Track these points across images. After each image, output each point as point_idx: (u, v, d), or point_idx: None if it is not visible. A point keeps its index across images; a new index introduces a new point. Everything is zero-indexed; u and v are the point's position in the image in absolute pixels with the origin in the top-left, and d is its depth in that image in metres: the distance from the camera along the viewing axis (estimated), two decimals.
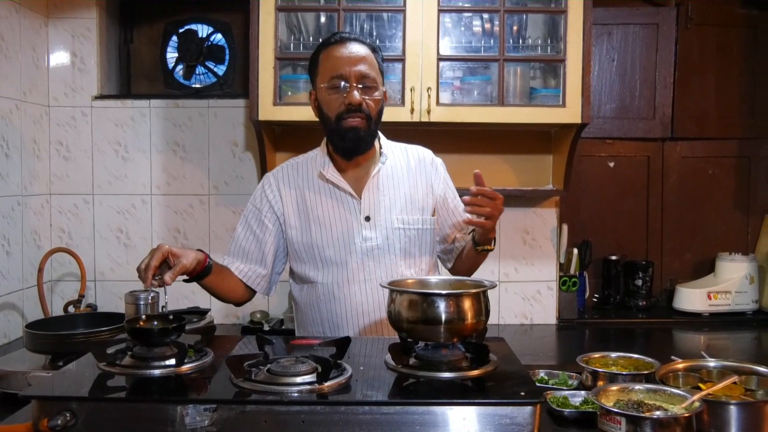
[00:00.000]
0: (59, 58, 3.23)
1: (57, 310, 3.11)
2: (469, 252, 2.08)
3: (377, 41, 2.84)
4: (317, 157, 2.10)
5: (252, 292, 2.12)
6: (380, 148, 2.10)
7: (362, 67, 1.94)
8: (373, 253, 2.01)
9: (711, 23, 3.42)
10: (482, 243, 1.99)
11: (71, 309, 2.93)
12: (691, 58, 3.41)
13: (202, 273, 1.88)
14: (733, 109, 3.50)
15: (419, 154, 2.16)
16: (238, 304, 2.16)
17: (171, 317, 1.67)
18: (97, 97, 3.24)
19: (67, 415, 1.31)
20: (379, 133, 2.14)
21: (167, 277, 1.73)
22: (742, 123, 3.51)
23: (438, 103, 2.83)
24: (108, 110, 3.25)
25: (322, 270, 2.03)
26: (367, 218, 2.01)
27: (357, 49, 1.96)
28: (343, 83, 1.93)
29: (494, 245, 2.02)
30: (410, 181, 2.09)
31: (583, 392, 1.64)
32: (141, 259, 1.75)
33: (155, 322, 1.65)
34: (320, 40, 2.90)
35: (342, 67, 1.93)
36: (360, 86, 1.93)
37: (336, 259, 2.01)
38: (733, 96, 3.49)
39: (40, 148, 3.16)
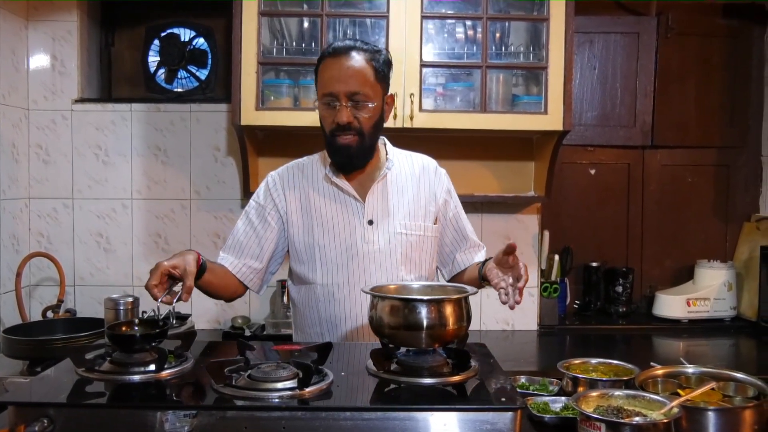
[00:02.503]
0: (39, 61, 3.20)
1: (35, 316, 3.08)
2: (472, 280, 2.07)
3: None
4: (320, 161, 2.11)
5: (244, 289, 2.10)
6: (386, 154, 2.11)
7: (353, 84, 1.91)
8: (375, 257, 2.01)
9: (691, 33, 3.46)
10: (488, 279, 1.96)
11: (50, 314, 2.90)
12: (671, 67, 3.45)
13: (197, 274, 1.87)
14: (712, 117, 3.54)
15: (423, 162, 2.17)
16: (230, 300, 2.14)
17: (161, 323, 1.66)
18: (77, 101, 3.22)
19: (45, 421, 1.29)
20: (385, 139, 2.15)
21: (184, 296, 1.73)
22: (721, 132, 3.55)
23: (421, 109, 2.84)
24: (88, 114, 3.22)
25: (322, 271, 2.03)
26: (370, 222, 2.02)
27: (350, 62, 1.92)
28: (333, 101, 1.92)
29: None
30: (414, 188, 2.09)
31: (563, 398, 1.64)
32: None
33: (137, 328, 1.64)
34: (303, 45, 2.92)
35: (332, 85, 1.91)
36: (350, 104, 1.91)
37: (337, 260, 2.01)
38: (713, 105, 3.53)
39: (19, 152, 3.12)
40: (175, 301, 1.72)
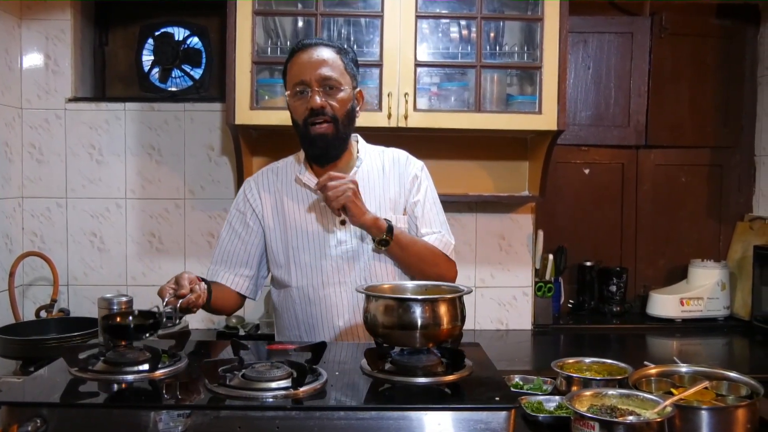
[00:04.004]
0: (32, 59, 3.19)
1: (28, 315, 3.07)
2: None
3: (354, 47, 2.84)
4: (295, 162, 2.13)
5: (243, 299, 2.14)
6: (357, 152, 2.11)
7: (323, 70, 1.95)
8: (348, 256, 2.01)
9: (685, 33, 3.47)
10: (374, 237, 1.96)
11: (43, 314, 2.89)
12: (665, 67, 3.46)
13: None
14: (705, 117, 3.55)
15: (394, 155, 2.16)
16: (232, 313, 2.23)
17: (158, 315, 1.66)
18: (71, 100, 3.21)
19: (38, 421, 1.29)
20: (359, 136, 2.15)
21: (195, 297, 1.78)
22: (715, 132, 3.56)
23: (415, 108, 2.84)
24: (82, 113, 3.21)
25: (296, 274, 2.04)
26: (343, 222, 2.02)
27: (319, 53, 1.97)
28: (305, 89, 1.96)
29: (385, 237, 1.94)
30: (384, 183, 2.09)
31: (557, 397, 1.64)
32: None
33: (131, 318, 1.65)
34: None
35: (303, 73, 1.96)
36: (322, 89, 1.95)
37: (311, 262, 2.02)
38: (706, 105, 3.54)
39: (12, 151, 3.11)
40: (179, 302, 1.73)
